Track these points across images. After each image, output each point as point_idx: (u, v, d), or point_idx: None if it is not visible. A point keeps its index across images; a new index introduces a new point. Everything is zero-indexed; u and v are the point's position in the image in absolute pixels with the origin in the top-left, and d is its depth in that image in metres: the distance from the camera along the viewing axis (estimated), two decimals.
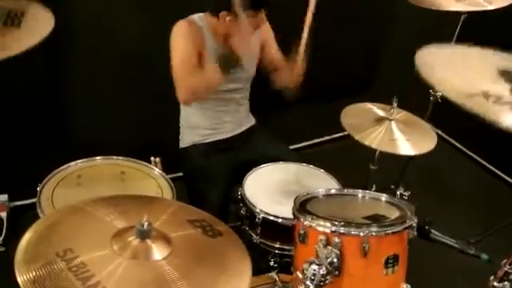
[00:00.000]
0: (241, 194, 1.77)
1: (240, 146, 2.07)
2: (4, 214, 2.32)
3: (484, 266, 1.40)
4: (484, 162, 3.24)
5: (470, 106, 0.95)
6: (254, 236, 1.72)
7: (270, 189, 1.81)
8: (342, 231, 1.19)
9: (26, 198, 2.41)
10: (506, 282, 1.25)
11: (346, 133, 3.20)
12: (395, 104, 1.79)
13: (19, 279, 0.97)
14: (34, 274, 0.98)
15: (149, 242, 1.10)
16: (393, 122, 1.80)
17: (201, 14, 1.93)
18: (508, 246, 1.43)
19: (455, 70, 1.21)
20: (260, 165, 1.91)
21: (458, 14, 2.04)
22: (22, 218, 2.39)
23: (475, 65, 1.23)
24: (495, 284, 1.26)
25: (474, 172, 3.26)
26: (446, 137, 3.40)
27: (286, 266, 1.75)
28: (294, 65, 1.93)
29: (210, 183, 1.88)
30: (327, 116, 2.99)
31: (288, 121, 2.80)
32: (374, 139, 1.72)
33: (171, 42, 1.85)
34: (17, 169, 2.32)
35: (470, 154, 3.34)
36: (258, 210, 1.68)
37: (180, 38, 1.85)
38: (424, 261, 1.55)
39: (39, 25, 1.31)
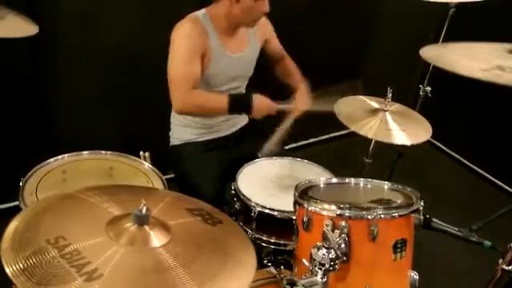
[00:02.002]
0: (235, 189, 1.71)
1: (232, 145, 2.02)
2: None
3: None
4: (468, 163, 3.29)
5: (488, 78, 0.92)
6: (249, 231, 1.66)
7: (264, 183, 1.76)
8: (348, 215, 1.15)
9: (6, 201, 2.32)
10: None
11: (337, 134, 3.30)
12: (390, 95, 1.76)
13: (7, 269, 0.88)
14: (23, 262, 0.89)
15: (147, 228, 1.03)
16: (387, 113, 1.77)
17: (203, 11, 1.85)
18: (509, 232, 1.42)
19: (464, 56, 1.20)
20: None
21: (446, 5, 2.05)
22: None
23: (482, 51, 1.22)
24: (504, 267, 1.24)
25: (460, 173, 3.31)
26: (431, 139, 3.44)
27: (281, 264, 1.70)
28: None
29: (202, 179, 1.82)
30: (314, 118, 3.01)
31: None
32: (369, 129, 1.69)
33: (172, 44, 1.76)
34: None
35: (455, 155, 3.39)
36: (253, 204, 1.62)
37: (183, 43, 1.75)
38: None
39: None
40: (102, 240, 0.99)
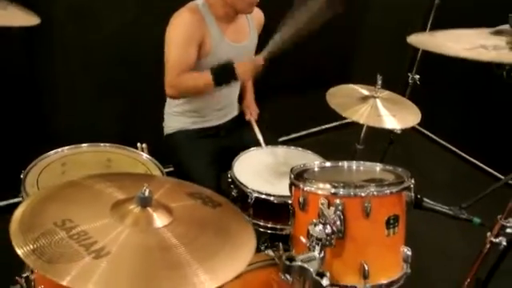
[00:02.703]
0: (231, 177, 1.75)
1: (225, 134, 2.06)
2: None
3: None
4: (456, 150, 3.37)
5: (472, 56, 0.98)
6: (247, 217, 1.70)
7: (259, 170, 1.79)
8: (342, 193, 1.19)
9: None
10: (502, 237, 1.29)
11: (328, 125, 3.36)
12: (379, 82, 1.82)
13: (18, 251, 0.92)
14: (32, 243, 0.93)
15: (150, 210, 1.08)
16: (378, 100, 1.83)
17: (201, 0, 1.87)
18: (498, 209, 1.48)
19: (449, 40, 1.25)
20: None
21: None
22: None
23: (466, 34, 1.27)
24: (492, 239, 1.29)
25: (448, 159, 3.39)
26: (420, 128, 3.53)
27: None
28: None
29: (197, 165, 1.86)
30: (304, 110, 3.06)
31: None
32: (361, 115, 1.74)
33: (169, 32, 1.79)
34: None
35: (443, 142, 3.47)
36: (249, 190, 1.66)
37: (179, 31, 1.78)
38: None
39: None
40: (108, 222, 1.03)
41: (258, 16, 2.02)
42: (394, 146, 2.50)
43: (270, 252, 1.54)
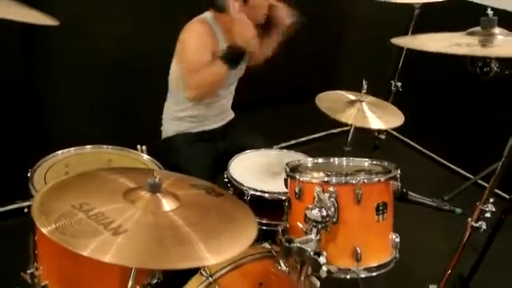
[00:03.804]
0: (227, 177, 1.84)
1: (220, 138, 2.16)
2: None
3: None
4: (436, 157, 3.53)
5: (449, 51, 1.11)
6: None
7: (254, 170, 1.89)
8: (335, 181, 1.30)
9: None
10: (481, 222, 1.40)
11: (316, 135, 3.49)
12: (365, 86, 1.94)
13: (43, 230, 0.99)
14: (54, 223, 1.01)
15: (159, 195, 1.16)
16: (364, 103, 1.95)
17: (210, 14, 1.98)
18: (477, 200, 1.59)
19: (429, 40, 1.39)
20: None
21: (412, 7, 2.28)
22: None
23: (444, 36, 1.41)
24: (473, 224, 1.40)
25: (429, 166, 3.54)
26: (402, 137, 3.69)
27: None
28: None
29: (195, 167, 1.93)
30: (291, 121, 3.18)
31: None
32: (349, 117, 1.86)
33: (183, 42, 1.90)
34: None
35: (424, 150, 3.64)
36: (245, 188, 1.75)
37: (193, 37, 1.89)
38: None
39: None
40: (122, 206, 1.11)
41: None
42: (378, 152, 2.63)
43: (267, 245, 1.63)
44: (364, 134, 2.71)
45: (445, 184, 3.31)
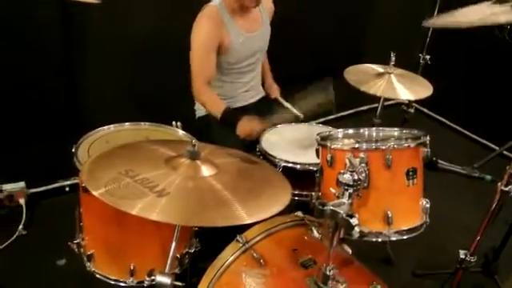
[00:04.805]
0: (259, 150, 1.90)
1: (252, 114, 2.21)
2: (23, 201, 2.40)
3: None
4: (463, 130, 3.51)
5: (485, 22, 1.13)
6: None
7: (285, 144, 1.94)
8: (366, 147, 1.34)
9: (42, 184, 2.53)
10: (511, 186, 1.42)
11: (344, 113, 3.50)
12: (393, 59, 1.96)
13: (94, 193, 1.07)
14: (103, 186, 1.09)
15: (198, 162, 1.24)
16: (392, 75, 1.97)
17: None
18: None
19: (461, 17, 1.40)
20: None
21: None
22: (40, 205, 2.50)
23: (474, 10, 1.42)
24: (503, 188, 1.42)
25: (456, 139, 3.53)
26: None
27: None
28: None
29: (230, 144, 1.99)
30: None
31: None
32: (377, 89, 1.89)
33: (192, 40, 1.99)
34: (32, 155, 2.41)
35: (450, 123, 3.62)
36: (277, 160, 1.80)
37: (200, 40, 1.98)
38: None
39: None
40: (164, 172, 1.19)
41: (269, 5, 2.22)
42: (407, 126, 2.63)
43: (300, 213, 1.69)
44: (393, 109, 2.73)
45: (473, 156, 3.26)
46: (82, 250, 1.70)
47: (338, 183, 1.27)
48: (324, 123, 3.39)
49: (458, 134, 3.56)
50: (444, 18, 1.50)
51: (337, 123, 3.47)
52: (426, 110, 3.73)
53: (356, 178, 1.25)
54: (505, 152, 1.74)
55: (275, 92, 2.30)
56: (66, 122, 2.42)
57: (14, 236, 2.25)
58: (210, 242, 1.59)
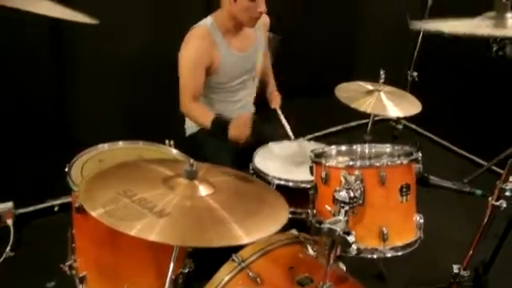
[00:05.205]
0: (253, 168, 1.91)
1: None
2: (10, 222, 2.36)
3: None
4: (451, 146, 3.56)
5: (471, 31, 1.17)
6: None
7: (278, 161, 1.96)
8: (360, 164, 1.36)
9: (30, 204, 2.49)
10: (502, 200, 1.44)
11: (333, 129, 3.53)
12: (383, 76, 2.00)
13: (93, 213, 1.06)
14: (102, 207, 1.08)
15: (196, 182, 1.23)
16: (382, 93, 2.01)
17: (210, 19, 2.05)
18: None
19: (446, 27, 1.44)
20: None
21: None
22: (28, 226, 2.45)
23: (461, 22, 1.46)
24: (493, 203, 1.45)
25: (444, 155, 3.56)
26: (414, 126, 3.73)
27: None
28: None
29: (222, 162, 2.00)
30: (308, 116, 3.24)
31: None
32: (367, 106, 1.92)
33: (181, 56, 2.00)
34: (20, 175, 2.38)
35: (438, 139, 3.67)
36: (270, 177, 1.81)
37: (189, 58, 1.99)
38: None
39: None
40: (161, 191, 1.19)
41: (262, 21, 2.18)
42: (397, 142, 2.67)
43: (294, 231, 1.69)
44: (382, 124, 2.76)
45: (462, 172, 3.34)
46: (73, 271, 1.67)
47: (335, 201, 1.29)
48: (313, 139, 3.45)
49: (446, 150, 3.61)
50: (432, 24, 1.52)
51: (327, 140, 3.51)
52: (414, 126, 3.78)
53: (352, 195, 1.27)
54: (493, 167, 1.78)
55: (276, 102, 2.30)
56: (56, 141, 2.40)
57: (2, 258, 2.20)
58: (204, 261, 1.58)
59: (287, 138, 2.13)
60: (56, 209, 2.51)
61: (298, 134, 3.27)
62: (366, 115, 2.10)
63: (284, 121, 2.13)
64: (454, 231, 2.58)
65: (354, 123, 3.56)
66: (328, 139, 3.49)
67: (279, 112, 2.21)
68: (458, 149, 3.52)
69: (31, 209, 2.49)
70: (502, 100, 3.11)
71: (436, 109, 3.26)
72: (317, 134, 3.43)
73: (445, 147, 3.63)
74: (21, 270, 2.18)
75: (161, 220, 1.06)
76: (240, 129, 1.95)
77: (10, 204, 2.38)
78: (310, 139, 3.38)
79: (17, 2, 1.04)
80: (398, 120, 2.51)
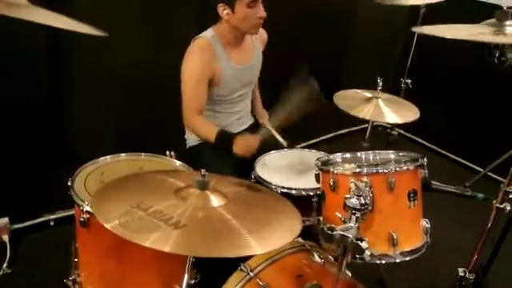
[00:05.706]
0: (255, 177, 1.90)
1: None
2: (6, 238, 2.31)
3: None
4: (445, 152, 3.61)
5: (472, 38, 1.19)
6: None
7: (279, 170, 1.95)
8: (368, 171, 1.37)
9: (26, 219, 2.45)
10: (506, 203, 1.47)
11: (330, 135, 3.54)
12: (380, 83, 2.03)
13: (107, 226, 1.05)
14: (117, 219, 1.07)
15: (208, 192, 1.23)
16: (380, 100, 2.04)
17: (211, 32, 2.04)
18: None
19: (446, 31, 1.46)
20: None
21: (417, 7, 2.38)
22: (24, 241, 2.40)
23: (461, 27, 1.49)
24: (498, 205, 1.48)
25: (439, 162, 3.59)
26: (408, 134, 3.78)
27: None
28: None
29: (223, 171, 1.99)
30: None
31: None
32: (366, 113, 1.94)
33: (183, 70, 2.00)
34: (15, 189, 2.33)
35: (431, 146, 3.71)
36: (273, 186, 1.81)
37: (191, 71, 1.99)
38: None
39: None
40: (174, 203, 1.18)
41: (261, 35, 2.22)
42: (391, 148, 2.70)
43: (300, 239, 1.69)
44: (377, 131, 2.80)
45: (456, 178, 3.38)
46: (77, 286, 1.65)
47: (345, 207, 1.29)
48: (309, 147, 3.47)
49: (440, 156, 3.64)
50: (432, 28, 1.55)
51: (319, 147, 3.53)
52: (409, 135, 3.83)
53: (363, 202, 1.27)
54: (489, 173, 1.81)
55: (264, 119, 2.32)
56: (51, 155, 2.37)
57: None
58: (208, 271, 1.57)
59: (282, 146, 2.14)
60: (52, 223, 2.47)
61: (293, 143, 3.32)
62: (358, 122, 2.11)
63: (274, 132, 2.14)
64: (454, 236, 2.61)
65: (344, 130, 3.58)
66: (319, 147, 3.51)
67: (268, 126, 2.20)
68: (451, 155, 3.56)
69: (27, 224, 2.44)
70: (495, 106, 3.17)
71: (429, 115, 3.32)
72: (309, 142, 3.45)
73: (438, 153, 3.68)
74: (19, 287, 2.14)
75: (175, 231, 1.06)
76: (245, 149, 1.97)
77: (5, 219, 2.32)
78: (304, 147, 3.43)
79: (22, 12, 1.02)
80: (392, 126, 2.54)
